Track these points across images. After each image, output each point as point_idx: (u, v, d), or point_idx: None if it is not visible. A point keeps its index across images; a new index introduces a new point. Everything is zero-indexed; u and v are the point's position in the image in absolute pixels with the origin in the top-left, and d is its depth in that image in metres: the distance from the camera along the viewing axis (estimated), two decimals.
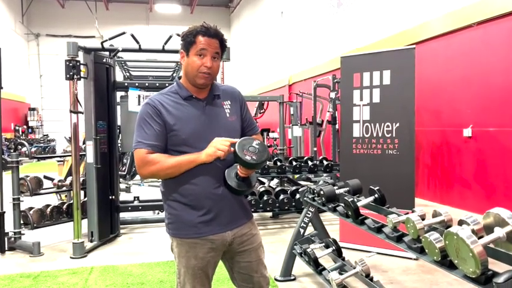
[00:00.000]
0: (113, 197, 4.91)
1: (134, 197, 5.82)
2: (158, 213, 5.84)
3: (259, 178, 6.30)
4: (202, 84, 1.85)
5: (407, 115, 4.04)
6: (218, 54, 1.87)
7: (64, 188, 5.16)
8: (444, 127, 6.63)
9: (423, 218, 1.93)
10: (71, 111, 4.27)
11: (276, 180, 6.81)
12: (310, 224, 3.53)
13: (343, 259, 3.03)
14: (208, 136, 1.82)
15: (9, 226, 4.47)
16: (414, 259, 3.95)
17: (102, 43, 4.65)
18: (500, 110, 5.59)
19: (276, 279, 3.54)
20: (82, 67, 4.31)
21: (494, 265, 1.52)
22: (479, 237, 1.53)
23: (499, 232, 1.52)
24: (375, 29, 8.91)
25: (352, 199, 2.46)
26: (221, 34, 1.87)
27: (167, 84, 5.35)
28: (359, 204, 2.43)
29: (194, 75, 1.84)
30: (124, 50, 4.78)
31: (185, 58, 1.87)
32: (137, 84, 5.11)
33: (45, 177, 5.31)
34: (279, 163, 5.48)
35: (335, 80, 7.78)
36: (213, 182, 1.84)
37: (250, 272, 1.98)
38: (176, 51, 4.98)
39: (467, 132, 6.05)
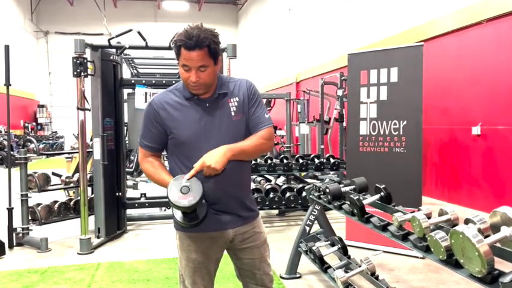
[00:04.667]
0: (120, 193, 4.93)
1: (141, 194, 5.85)
2: (165, 210, 5.86)
3: (266, 175, 6.30)
4: (195, 94, 1.83)
5: (415, 113, 4.00)
6: (204, 66, 1.73)
7: (72, 185, 5.20)
8: (453, 125, 6.57)
9: (429, 216, 1.91)
10: (78, 108, 4.30)
11: (282, 178, 6.80)
12: (316, 221, 3.52)
13: (349, 257, 3.02)
14: (208, 138, 1.82)
15: (17, 222, 4.52)
16: (421, 258, 3.92)
17: (109, 40, 4.66)
18: (509, 107, 5.52)
19: (281, 277, 3.54)
20: (89, 64, 4.33)
21: (501, 264, 1.50)
22: (486, 236, 1.51)
23: (506, 231, 1.50)
24: (383, 26, 8.84)
25: (358, 197, 2.45)
26: (205, 42, 1.69)
27: (173, 82, 5.37)
28: (364, 202, 2.42)
29: (186, 84, 1.82)
30: (131, 47, 4.79)
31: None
32: (144, 82, 5.12)
33: (53, 173, 5.36)
34: (285, 161, 5.47)
35: (342, 78, 7.75)
36: (216, 181, 1.82)
37: (252, 269, 1.99)
38: None
39: (476, 130, 5.99)
